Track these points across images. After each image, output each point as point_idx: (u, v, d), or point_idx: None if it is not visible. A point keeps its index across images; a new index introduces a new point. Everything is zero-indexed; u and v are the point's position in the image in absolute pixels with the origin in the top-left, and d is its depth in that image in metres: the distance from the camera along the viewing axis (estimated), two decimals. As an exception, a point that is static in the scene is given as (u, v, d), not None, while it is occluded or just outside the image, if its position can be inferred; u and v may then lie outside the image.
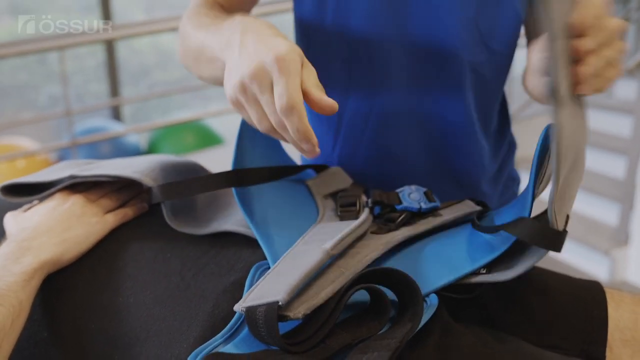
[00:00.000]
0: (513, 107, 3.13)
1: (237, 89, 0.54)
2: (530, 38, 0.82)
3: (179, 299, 0.55)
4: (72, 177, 0.65)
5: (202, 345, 0.47)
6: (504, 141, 0.93)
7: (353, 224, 0.59)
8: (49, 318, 0.58)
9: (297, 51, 0.54)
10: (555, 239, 0.52)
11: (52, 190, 0.66)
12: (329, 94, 0.55)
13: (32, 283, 0.56)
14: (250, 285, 0.53)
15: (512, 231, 0.54)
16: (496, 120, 0.89)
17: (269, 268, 0.56)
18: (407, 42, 0.78)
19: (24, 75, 4.84)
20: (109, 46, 3.72)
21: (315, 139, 0.53)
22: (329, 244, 0.54)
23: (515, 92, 2.94)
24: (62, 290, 0.59)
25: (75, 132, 3.00)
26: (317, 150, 0.54)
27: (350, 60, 0.81)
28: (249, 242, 0.60)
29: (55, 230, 0.60)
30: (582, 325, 0.56)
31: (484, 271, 0.56)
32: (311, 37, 0.83)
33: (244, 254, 0.59)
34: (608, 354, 0.55)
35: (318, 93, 0.53)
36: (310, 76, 0.54)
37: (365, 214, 0.62)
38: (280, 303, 0.44)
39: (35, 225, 0.60)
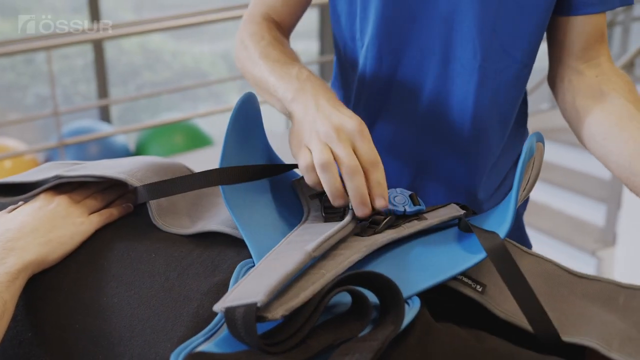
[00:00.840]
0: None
1: (314, 135, 0.62)
2: (552, 48, 0.82)
3: (163, 299, 0.55)
4: (57, 177, 0.65)
5: (183, 344, 0.47)
6: (514, 153, 0.92)
7: (337, 225, 0.59)
8: (33, 318, 0.58)
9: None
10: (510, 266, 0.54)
11: (37, 190, 0.66)
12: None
13: (16, 283, 0.56)
14: (235, 284, 0.53)
15: (481, 242, 0.55)
16: (510, 130, 0.88)
17: (253, 267, 0.56)
18: (423, 45, 0.79)
19: (11, 75, 4.81)
20: (98, 46, 3.71)
21: (386, 202, 0.62)
22: (310, 246, 0.54)
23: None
24: (46, 291, 0.59)
25: (63, 132, 2.99)
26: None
27: (367, 59, 0.83)
28: (234, 242, 0.60)
29: (40, 230, 0.60)
30: None
31: (480, 289, 0.57)
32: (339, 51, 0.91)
33: (229, 253, 0.59)
34: None
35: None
36: None
37: (349, 216, 0.62)
38: (258, 304, 0.44)
39: (19, 225, 0.60)
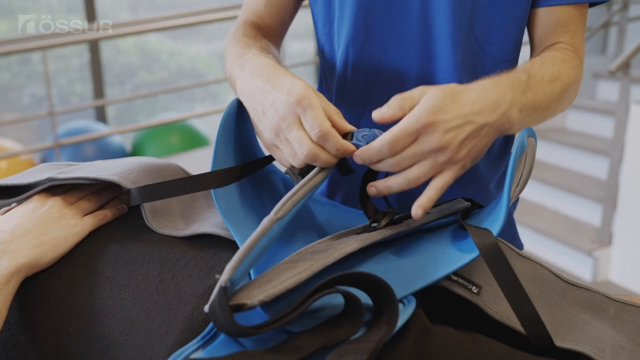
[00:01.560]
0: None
1: (272, 134, 0.62)
2: (533, 46, 0.82)
3: (158, 302, 0.55)
4: (50, 179, 0.65)
5: (178, 351, 0.47)
6: (508, 150, 0.92)
7: (298, 184, 0.58)
8: (27, 321, 0.58)
9: (310, 86, 0.61)
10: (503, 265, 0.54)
11: (30, 192, 0.66)
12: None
13: (9, 286, 0.55)
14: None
15: (475, 240, 0.55)
16: None
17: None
18: (403, 43, 0.79)
19: (7, 75, 4.79)
20: (93, 46, 3.70)
21: (353, 148, 0.60)
22: (273, 210, 0.53)
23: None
24: (39, 293, 0.59)
25: (58, 133, 2.98)
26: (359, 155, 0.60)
27: (347, 60, 0.83)
28: (228, 244, 0.60)
29: (33, 232, 0.60)
30: None
31: (475, 290, 0.57)
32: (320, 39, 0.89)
33: (223, 255, 0.59)
34: None
35: (341, 120, 0.61)
36: (329, 106, 0.61)
37: (315, 171, 0.61)
38: (222, 284, 0.43)
39: (12, 228, 0.60)
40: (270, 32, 0.89)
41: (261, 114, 0.63)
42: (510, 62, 0.81)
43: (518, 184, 0.61)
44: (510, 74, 0.64)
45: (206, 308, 0.44)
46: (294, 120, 0.60)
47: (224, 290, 0.43)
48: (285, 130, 0.60)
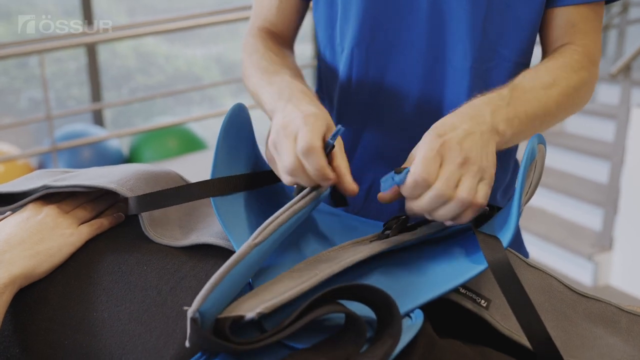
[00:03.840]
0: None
1: (270, 144, 0.62)
2: (545, 48, 0.81)
3: (156, 315, 0.53)
4: (45, 187, 0.63)
5: None
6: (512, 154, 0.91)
7: (280, 210, 0.56)
8: (21, 333, 0.56)
9: (326, 116, 0.62)
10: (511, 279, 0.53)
11: (25, 201, 0.64)
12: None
13: (3, 298, 0.54)
14: None
15: (485, 252, 0.54)
16: None
17: (249, 285, 0.55)
18: (411, 47, 0.78)
19: (4, 78, 4.78)
20: (91, 50, 3.68)
21: (332, 175, 0.59)
22: (253, 235, 0.52)
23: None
24: (34, 305, 0.57)
25: (56, 136, 2.96)
26: (351, 187, 0.60)
27: (351, 64, 0.81)
28: (228, 255, 0.58)
29: (28, 242, 0.58)
30: None
31: (484, 304, 0.56)
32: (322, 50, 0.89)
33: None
34: None
35: (344, 165, 0.60)
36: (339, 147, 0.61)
37: (301, 194, 0.59)
38: (191, 315, 0.42)
39: (6, 237, 0.58)
40: (283, 39, 0.89)
41: (275, 120, 0.64)
42: (524, 65, 0.80)
43: (527, 191, 0.59)
44: (489, 93, 0.65)
45: (187, 343, 0.42)
46: (291, 131, 0.59)
47: (193, 322, 0.42)
48: (281, 141, 0.60)
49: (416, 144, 0.82)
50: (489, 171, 0.57)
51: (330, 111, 0.88)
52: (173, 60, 5.44)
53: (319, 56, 0.91)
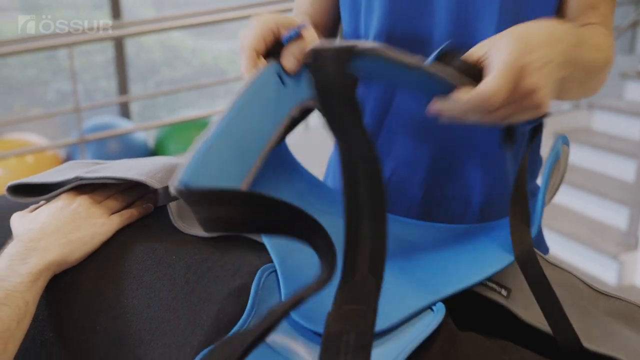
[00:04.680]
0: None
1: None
2: None
3: (184, 303, 0.55)
4: (78, 178, 0.65)
5: (203, 352, 0.47)
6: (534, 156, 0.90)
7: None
8: (55, 318, 0.58)
9: (275, 17, 0.65)
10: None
11: (59, 191, 0.66)
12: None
13: (38, 283, 0.56)
14: (256, 290, 0.53)
15: (514, 245, 0.54)
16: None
17: (275, 272, 0.56)
18: (435, 40, 0.78)
19: (34, 71, 4.87)
20: (118, 43, 3.73)
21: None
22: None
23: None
24: (67, 291, 0.59)
25: (83, 128, 3.01)
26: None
27: None
28: (255, 246, 0.60)
29: (62, 231, 0.60)
30: None
31: (505, 293, 0.57)
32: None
33: (250, 257, 0.59)
34: None
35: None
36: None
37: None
38: (173, 191, 0.44)
39: (41, 225, 0.60)
40: (323, 31, 0.90)
41: None
42: None
43: (551, 191, 0.60)
44: (565, 22, 0.63)
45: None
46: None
47: (179, 192, 0.44)
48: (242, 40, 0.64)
49: (436, 142, 0.81)
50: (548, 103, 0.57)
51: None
52: (199, 54, 5.49)
53: None
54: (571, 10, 0.77)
